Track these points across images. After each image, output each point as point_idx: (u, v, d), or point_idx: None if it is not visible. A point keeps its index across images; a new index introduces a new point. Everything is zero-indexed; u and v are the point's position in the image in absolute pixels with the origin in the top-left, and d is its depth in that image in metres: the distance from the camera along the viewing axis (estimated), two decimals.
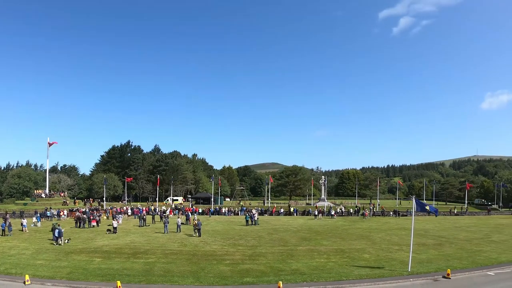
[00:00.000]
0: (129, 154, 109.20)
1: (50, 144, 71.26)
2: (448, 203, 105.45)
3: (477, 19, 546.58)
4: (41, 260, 21.94)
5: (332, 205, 75.99)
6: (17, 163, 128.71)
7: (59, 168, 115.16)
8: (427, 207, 20.77)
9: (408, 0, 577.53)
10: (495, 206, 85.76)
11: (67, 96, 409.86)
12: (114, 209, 54.70)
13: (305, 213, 62.77)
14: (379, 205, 75.57)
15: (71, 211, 53.76)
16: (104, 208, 61.25)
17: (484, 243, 30.62)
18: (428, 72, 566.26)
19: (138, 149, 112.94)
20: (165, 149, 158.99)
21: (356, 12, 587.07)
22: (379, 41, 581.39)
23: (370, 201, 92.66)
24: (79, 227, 39.28)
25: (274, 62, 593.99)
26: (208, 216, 55.94)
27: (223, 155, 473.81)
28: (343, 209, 65.77)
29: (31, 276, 17.32)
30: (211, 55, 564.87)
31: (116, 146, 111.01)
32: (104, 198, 73.29)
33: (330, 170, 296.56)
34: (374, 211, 64.85)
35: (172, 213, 56.83)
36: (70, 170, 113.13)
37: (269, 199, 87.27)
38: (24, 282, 16.67)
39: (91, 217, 41.89)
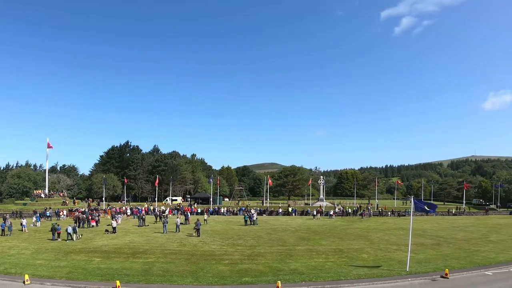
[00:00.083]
0: (128, 154, 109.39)
1: (48, 146, 71.24)
2: (446, 203, 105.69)
3: (479, 19, 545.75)
4: (41, 260, 22.00)
5: (330, 205, 76.20)
6: (17, 163, 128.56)
7: (58, 168, 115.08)
8: (426, 207, 20.79)
9: None
10: (493, 206, 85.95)
11: (67, 96, 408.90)
12: (113, 209, 54.73)
13: (303, 213, 62.88)
14: (377, 205, 75.72)
15: (70, 211, 53.81)
16: (104, 208, 61.31)
17: (482, 243, 30.76)
18: (428, 72, 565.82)
19: (137, 149, 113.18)
20: (164, 149, 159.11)
21: (357, 12, 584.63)
22: (380, 41, 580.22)
23: (369, 201, 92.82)
24: (79, 227, 39.09)
25: (274, 62, 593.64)
26: (207, 216, 55.94)
27: (222, 155, 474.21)
28: (341, 209, 65.91)
29: (30, 276, 17.36)
30: (211, 55, 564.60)
31: (115, 146, 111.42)
32: (104, 198, 73.37)
33: (328, 170, 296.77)
34: (371, 211, 64.88)
35: (171, 213, 56.87)
36: (69, 170, 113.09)
37: (268, 199, 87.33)
38: (24, 282, 16.72)
39: (90, 217, 41.93)
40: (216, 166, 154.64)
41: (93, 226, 40.30)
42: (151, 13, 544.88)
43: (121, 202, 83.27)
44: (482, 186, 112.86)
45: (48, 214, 49.26)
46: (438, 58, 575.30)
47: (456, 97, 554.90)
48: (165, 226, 35.26)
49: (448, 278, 18.44)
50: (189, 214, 49.97)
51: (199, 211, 61.23)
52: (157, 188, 79.88)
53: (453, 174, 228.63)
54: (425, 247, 28.22)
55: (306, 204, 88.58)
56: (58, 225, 31.60)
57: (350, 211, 63.31)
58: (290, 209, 64.53)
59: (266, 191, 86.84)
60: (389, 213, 64.10)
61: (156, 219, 45.26)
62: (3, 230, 32.99)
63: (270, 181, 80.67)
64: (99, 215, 46.82)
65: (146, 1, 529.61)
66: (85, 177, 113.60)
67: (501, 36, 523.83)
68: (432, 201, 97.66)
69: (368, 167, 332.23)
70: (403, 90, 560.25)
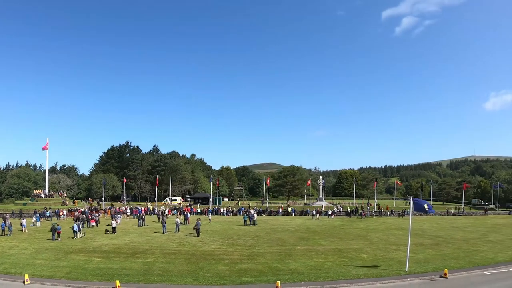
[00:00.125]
0: (128, 155, 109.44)
1: (44, 148, 71.16)
2: (445, 203, 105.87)
3: (481, 18, 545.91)
4: (41, 259, 22.02)
5: (329, 205, 76.24)
6: (17, 163, 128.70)
7: (58, 168, 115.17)
8: (426, 206, 20.79)
9: None
10: (492, 206, 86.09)
11: (67, 96, 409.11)
12: (113, 209, 54.76)
13: (303, 213, 62.93)
14: (376, 205, 75.74)
15: (70, 211, 53.85)
16: (103, 208, 61.33)
17: (481, 243, 30.84)
18: (429, 72, 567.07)
19: (137, 150, 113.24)
20: (164, 150, 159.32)
21: (358, 12, 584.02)
22: (381, 41, 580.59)
23: (368, 201, 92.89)
24: None
25: (273, 62, 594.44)
26: (206, 216, 55.97)
27: (222, 155, 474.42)
28: (340, 209, 65.98)
29: (30, 276, 17.38)
30: (211, 55, 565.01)
31: (115, 146, 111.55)
32: (103, 198, 73.42)
33: (328, 170, 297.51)
34: (369, 211, 64.91)
35: (171, 213, 56.90)
36: (69, 170, 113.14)
37: (267, 199, 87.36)
38: (24, 282, 16.74)
39: (90, 217, 41.95)
40: (216, 166, 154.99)
41: (93, 226, 40.31)
42: (151, 13, 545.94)
43: (120, 202, 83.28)
44: (481, 186, 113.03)
45: (48, 214, 49.26)
46: (438, 58, 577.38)
47: (456, 97, 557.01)
48: (165, 226, 35.28)
49: (447, 278, 18.48)
50: (188, 214, 50.00)
51: (198, 211, 61.29)
52: (156, 188, 79.95)
53: (452, 174, 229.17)
54: (424, 247, 28.28)
55: (305, 204, 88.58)
56: (58, 225, 31.61)
57: (349, 211, 63.36)
58: (289, 209, 64.58)
59: (266, 191, 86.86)
60: (388, 213, 64.15)
61: (159, 219, 45.10)
62: (3, 230, 33.01)
63: (268, 181, 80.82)
64: (98, 215, 46.86)
65: (146, 1, 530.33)
66: (85, 177, 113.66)
67: (502, 36, 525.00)
68: (431, 201, 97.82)
69: (368, 167, 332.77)
70: (402, 90, 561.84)
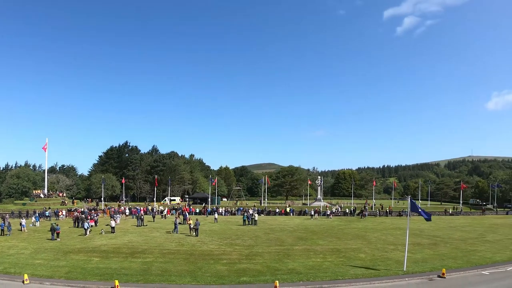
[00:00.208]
0: (127, 155, 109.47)
1: (46, 147, 71.23)
2: (443, 203, 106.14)
3: (482, 18, 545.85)
4: (40, 259, 22.04)
5: (327, 205, 76.36)
6: (16, 164, 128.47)
7: (57, 168, 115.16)
8: (420, 211, 20.86)
9: None
10: (489, 206, 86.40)
11: (67, 96, 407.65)
12: (112, 209, 54.76)
13: (301, 213, 63.03)
14: (374, 205, 75.93)
15: (69, 211, 53.84)
16: (103, 208, 61.32)
17: (478, 243, 30.96)
18: (429, 72, 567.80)
19: (136, 150, 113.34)
20: (163, 150, 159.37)
21: (359, 11, 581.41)
22: (381, 41, 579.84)
23: (366, 202, 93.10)
24: (78, 226, 39.30)
25: (273, 62, 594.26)
26: (205, 216, 56.07)
27: (220, 155, 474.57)
28: (339, 209, 66.10)
29: (30, 276, 17.39)
30: (211, 55, 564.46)
31: (114, 146, 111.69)
32: (102, 198, 73.44)
33: (326, 170, 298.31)
34: (376, 211, 64.97)
35: (170, 213, 56.90)
36: (68, 171, 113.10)
37: (266, 199, 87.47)
38: (23, 282, 16.76)
39: (89, 217, 41.92)
40: (214, 166, 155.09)
41: (92, 226, 40.23)
42: (151, 13, 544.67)
43: (119, 202, 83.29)
44: (479, 186, 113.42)
45: (47, 214, 49.24)
46: (439, 58, 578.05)
47: (456, 97, 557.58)
48: (177, 227, 35.46)
49: (445, 277, 18.55)
50: (187, 214, 50.02)
51: (197, 211, 61.34)
52: (155, 188, 80.00)
53: (450, 174, 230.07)
54: (422, 247, 28.39)
55: (303, 204, 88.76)
56: (57, 225, 31.63)
57: (347, 211, 63.53)
58: (288, 209, 64.67)
59: (264, 191, 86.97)
60: (386, 212, 64.28)
61: (154, 218, 45.04)
62: (2, 230, 32.97)
63: (267, 180, 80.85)
64: (97, 215, 46.83)
65: (146, 1, 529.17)
66: (84, 177, 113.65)
67: (503, 36, 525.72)
68: (429, 202, 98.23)
69: (366, 167, 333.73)
70: (401, 90, 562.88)
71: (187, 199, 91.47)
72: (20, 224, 36.31)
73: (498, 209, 79.63)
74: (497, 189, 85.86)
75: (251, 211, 51.44)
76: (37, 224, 41.25)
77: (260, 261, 22.24)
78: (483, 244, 30.47)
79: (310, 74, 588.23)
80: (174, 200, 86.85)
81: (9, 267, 19.96)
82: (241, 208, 64.37)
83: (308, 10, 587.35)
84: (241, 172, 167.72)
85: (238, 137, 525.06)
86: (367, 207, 68.92)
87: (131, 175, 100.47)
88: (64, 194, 77.16)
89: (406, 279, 18.28)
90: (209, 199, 75.31)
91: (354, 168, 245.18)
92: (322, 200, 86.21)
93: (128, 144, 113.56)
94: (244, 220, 44.10)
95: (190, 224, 35.17)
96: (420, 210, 20.71)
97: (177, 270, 19.42)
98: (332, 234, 35.94)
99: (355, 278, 18.08)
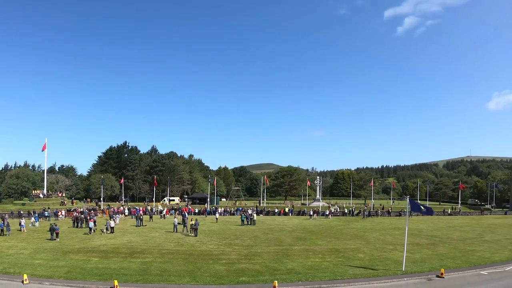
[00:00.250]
0: (126, 155, 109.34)
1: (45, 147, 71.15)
2: (441, 203, 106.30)
3: (483, 19, 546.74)
4: (39, 259, 22.04)
5: (326, 205, 76.46)
6: (15, 164, 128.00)
7: (57, 168, 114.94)
8: (422, 207, 20.99)
9: None
10: (488, 206, 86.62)
11: (66, 96, 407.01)
12: (111, 209, 54.73)
13: (300, 213, 63.09)
14: (373, 205, 76.07)
15: (68, 211, 53.80)
16: (102, 208, 61.27)
17: (477, 243, 31.07)
18: (429, 72, 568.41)
19: (135, 150, 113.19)
20: (162, 150, 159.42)
21: (360, 11, 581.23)
22: (382, 40, 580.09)
23: (365, 202, 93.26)
24: (77, 227, 39.33)
25: (273, 62, 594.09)
26: (204, 216, 56.09)
27: (219, 155, 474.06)
28: (338, 209, 66.17)
29: (29, 276, 17.39)
30: (211, 55, 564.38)
31: (113, 147, 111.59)
32: (102, 198, 73.40)
33: (325, 170, 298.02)
34: (376, 211, 65.04)
35: (169, 213, 56.92)
36: (67, 171, 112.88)
37: (265, 200, 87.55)
38: (23, 282, 16.76)
39: (88, 217, 41.85)
40: (213, 167, 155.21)
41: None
42: (151, 13, 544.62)
43: (119, 202, 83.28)
44: (477, 186, 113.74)
45: (46, 214, 49.19)
46: (439, 58, 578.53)
47: (456, 97, 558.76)
48: (186, 226, 35.74)
49: (443, 277, 18.61)
50: (186, 214, 49.97)
51: (196, 211, 61.35)
52: (154, 189, 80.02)
53: (449, 174, 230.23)
54: (420, 247, 28.48)
55: (302, 204, 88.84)
56: (56, 225, 31.61)
57: (346, 211, 63.61)
58: (287, 209, 64.72)
59: (263, 191, 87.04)
60: (385, 212, 64.38)
61: (151, 218, 44.94)
62: (1, 230, 32.94)
63: (267, 181, 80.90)
64: (96, 215, 46.81)
65: (146, 1, 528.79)
66: (83, 177, 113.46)
67: (504, 36, 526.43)
68: (427, 201, 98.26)
69: (364, 167, 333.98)
70: (401, 90, 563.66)
71: (186, 199, 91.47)
72: (20, 224, 36.29)
73: (496, 209, 79.85)
74: (495, 189, 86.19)
75: (249, 211, 51.48)
76: (37, 224, 41.21)
77: (259, 261, 22.27)
78: (481, 244, 30.57)
79: (310, 74, 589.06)
80: (173, 200, 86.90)
81: (9, 267, 19.96)
82: (240, 208, 64.41)
83: (308, 10, 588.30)
84: (240, 172, 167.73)
85: (238, 137, 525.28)
86: (367, 207, 69.01)
87: (130, 175, 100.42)
88: (64, 194, 77.08)
89: (405, 279, 18.34)
90: (208, 199, 75.27)
91: (353, 168, 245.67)
92: (321, 200, 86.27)
93: (127, 144, 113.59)
94: (243, 220, 44.14)
95: (190, 224, 35.10)
96: (420, 206, 20.82)
97: (176, 270, 19.45)
98: (331, 234, 36.00)
99: (354, 278, 18.13)
